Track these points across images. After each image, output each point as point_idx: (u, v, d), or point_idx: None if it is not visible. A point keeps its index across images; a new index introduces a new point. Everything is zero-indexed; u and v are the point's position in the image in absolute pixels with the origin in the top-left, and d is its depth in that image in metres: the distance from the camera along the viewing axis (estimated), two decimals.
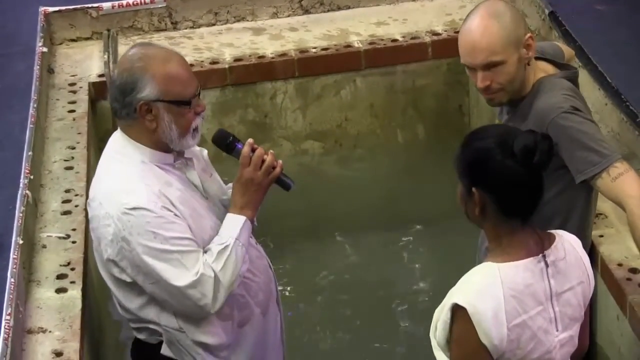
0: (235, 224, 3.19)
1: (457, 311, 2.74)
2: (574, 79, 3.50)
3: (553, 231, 2.91)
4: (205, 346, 3.26)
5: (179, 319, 3.22)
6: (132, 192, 3.08)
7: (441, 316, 2.81)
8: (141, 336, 3.32)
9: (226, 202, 3.35)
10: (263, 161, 3.21)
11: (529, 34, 3.35)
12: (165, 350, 3.27)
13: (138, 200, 3.06)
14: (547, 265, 2.81)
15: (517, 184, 2.75)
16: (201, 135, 3.24)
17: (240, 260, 3.18)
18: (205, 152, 3.42)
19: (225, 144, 3.28)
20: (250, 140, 3.24)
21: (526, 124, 3.31)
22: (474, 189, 2.78)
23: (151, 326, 3.25)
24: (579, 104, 3.38)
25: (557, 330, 2.85)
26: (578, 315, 2.90)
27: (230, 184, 3.36)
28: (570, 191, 3.43)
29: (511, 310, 2.74)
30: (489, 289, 2.74)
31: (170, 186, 3.15)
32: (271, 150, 3.25)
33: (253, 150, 3.22)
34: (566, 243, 2.90)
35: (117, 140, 3.22)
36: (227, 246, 3.14)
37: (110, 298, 3.49)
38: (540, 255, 2.81)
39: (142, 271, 3.10)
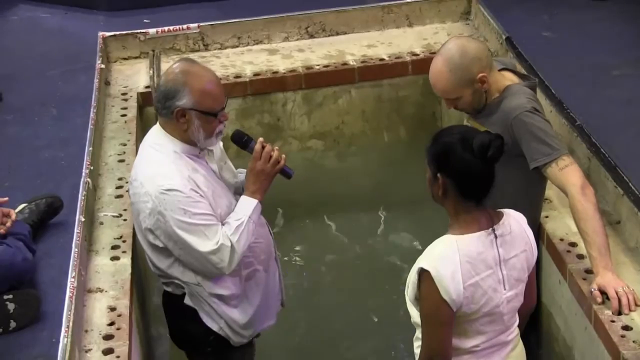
0: (249, 204, 3.20)
1: (423, 273, 2.74)
2: (533, 87, 3.50)
3: (502, 210, 2.89)
4: (219, 296, 3.27)
5: (198, 276, 3.22)
6: (167, 176, 3.08)
7: (410, 278, 2.81)
8: (168, 289, 3.34)
9: (237, 184, 3.36)
10: (271, 156, 3.21)
11: (481, 74, 3.29)
12: (187, 300, 3.29)
13: (172, 183, 3.06)
14: (496, 237, 2.79)
15: (474, 173, 2.73)
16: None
17: (251, 233, 3.19)
18: (221, 142, 3.39)
19: (241, 141, 3.29)
20: (260, 138, 3.24)
21: (492, 120, 3.29)
22: (439, 175, 2.76)
23: (176, 281, 3.27)
24: (538, 106, 3.38)
25: (505, 289, 2.84)
26: (522, 277, 2.90)
27: (240, 169, 3.40)
28: (525, 175, 3.41)
29: (466, 272, 2.73)
30: (448, 256, 2.74)
31: (196, 172, 3.15)
32: (276, 147, 3.25)
33: (263, 147, 3.21)
34: (512, 219, 2.88)
35: (156, 133, 3.21)
36: (242, 222, 3.15)
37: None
38: (491, 229, 2.79)
39: (173, 239, 3.10)
